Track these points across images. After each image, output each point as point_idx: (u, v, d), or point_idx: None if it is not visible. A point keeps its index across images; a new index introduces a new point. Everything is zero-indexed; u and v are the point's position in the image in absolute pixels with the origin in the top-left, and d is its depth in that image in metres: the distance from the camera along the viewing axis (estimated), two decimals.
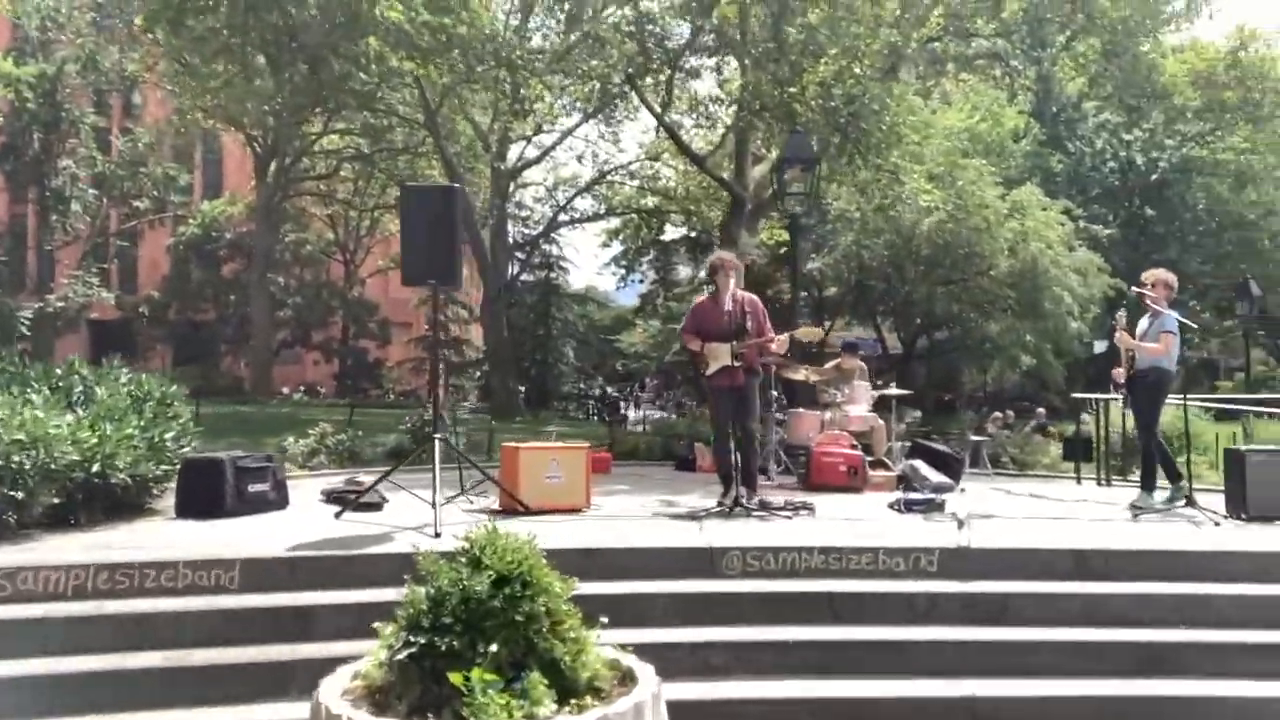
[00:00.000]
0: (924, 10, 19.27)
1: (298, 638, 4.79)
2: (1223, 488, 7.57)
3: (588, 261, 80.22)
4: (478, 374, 34.17)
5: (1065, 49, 26.37)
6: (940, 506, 7.23)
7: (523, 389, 33.49)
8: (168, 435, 6.85)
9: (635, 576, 5.44)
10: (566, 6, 16.35)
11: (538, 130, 27.76)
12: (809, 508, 7.17)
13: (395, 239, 38.62)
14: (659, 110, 18.41)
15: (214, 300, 38.50)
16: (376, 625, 3.28)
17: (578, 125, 27.66)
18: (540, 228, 33.79)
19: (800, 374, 10.31)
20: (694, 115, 22.24)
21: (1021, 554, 5.82)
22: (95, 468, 6.01)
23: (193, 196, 41.57)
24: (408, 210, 6.49)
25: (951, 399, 25.90)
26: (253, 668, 4.57)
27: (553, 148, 29.63)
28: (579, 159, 30.30)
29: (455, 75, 17.96)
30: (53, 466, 5.72)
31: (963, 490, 8.43)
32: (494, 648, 3.08)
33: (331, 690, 3.13)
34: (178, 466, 6.86)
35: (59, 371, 7.29)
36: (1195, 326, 7.96)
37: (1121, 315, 7.91)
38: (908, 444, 10.60)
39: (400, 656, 3.13)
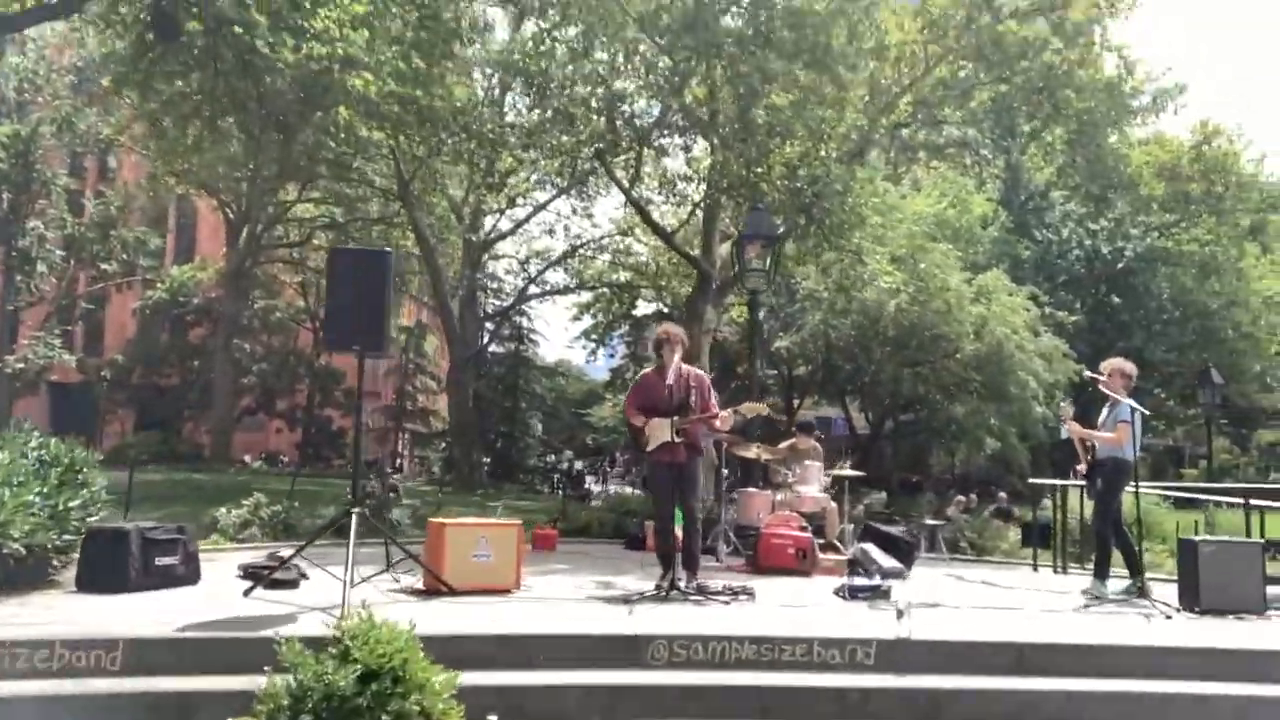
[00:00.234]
0: (892, 97, 19.62)
1: None
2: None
3: (559, 335, 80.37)
4: (442, 445, 33.68)
5: (1034, 138, 26.88)
6: (886, 594, 6.95)
7: (488, 461, 33.06)
8: (73, 503, 6.49)
9: (552, 666, 5.11)
10: (535, 83, 16.38)
11: (511, 203, 27.83)
12: (749, 593, 6.86)
13: None
14: (627, 186, 18.44)
15: (179, 365, 37.99)
16: None
17: (551, 200, 27.75)
18: (511, 299, 33.72)
19: (751, 451, 10.06)
20: (663, 192, 22.33)
21: (961, 647, 5.55)
22: None
23: (164, 261, 41.36)
24: (336, 273, 6.29)
25: (918, 481, 25.69)
26: None
27: (525, 221, 29.68)
28: (549, 232, 30.12)
29: (428, 147, 17.97)
30: None
31: (904, 579, 8.15)
32: None
33: None
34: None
35: None
36: (1148, 414, 7.79)
37: (1067, 406, 7.79)
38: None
39: None
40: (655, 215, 22.59)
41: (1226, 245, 26.70)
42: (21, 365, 34.94)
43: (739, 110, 15.61)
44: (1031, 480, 13.80)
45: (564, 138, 17.61)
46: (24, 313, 37.98)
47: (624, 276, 30.46)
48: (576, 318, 33.34)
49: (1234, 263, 26.77)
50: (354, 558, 6.77)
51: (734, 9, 15.05)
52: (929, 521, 12.66)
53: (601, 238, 29.32)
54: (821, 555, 8.98)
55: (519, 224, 29.76)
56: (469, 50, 19.34)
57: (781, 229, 16.93)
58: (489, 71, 20.34)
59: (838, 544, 9.50)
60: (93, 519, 6.75)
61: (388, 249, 6.95)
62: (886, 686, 5.16)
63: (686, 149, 19.12)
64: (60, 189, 34.73)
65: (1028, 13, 17.78)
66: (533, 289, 32.18)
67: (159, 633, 5.01)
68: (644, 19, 14.22)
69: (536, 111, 18.38)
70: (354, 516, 6.07)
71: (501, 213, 28.74)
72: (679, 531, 7.26)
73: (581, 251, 29.91)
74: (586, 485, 27.82)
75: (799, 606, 6.66)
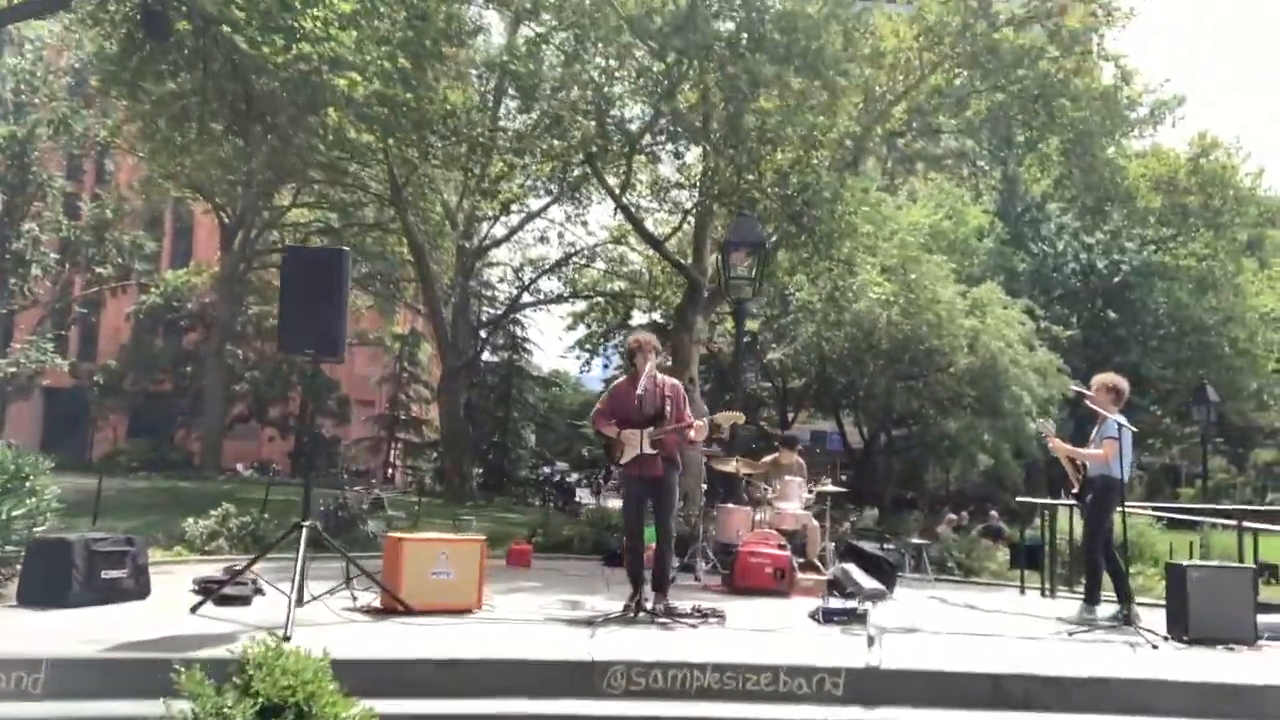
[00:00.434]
0: (886, 105, 19.39)
1: None
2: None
3: (554, 345, 79.82)
4: (434, 455, 33.39)
5: (1031, 149, 26.69)
6: (861, 618, 6.68)
7: (480, 472, 32.77)
8: (16, 513, 6.24)
9: (499, 694, 4.83)
10: (524, 85, 16.18)
11: (505, 210, 27.62)
12: (719, 615, 6.60)
13: (367, 315, 38.97)
14: (617, 192, 18.22)
15: (172, 371, 37.71)
16: None
17: (545, 207, 27.56)
18: (505, 307, 33.49)
19: (730, 466, 9.79)
20: (656, 200, 22.11)
21: (935, 677, 5.27)
22: None
23: (159, 265, 41.16)
24: (291, 274, 6.04)
25: (913, 498, 25.42)
26: None
27: (519, 227, 29.46)
28: (542, 239, 29.83)
29: (418, 150, 17.77)
30: None
31: (886, 600, 7.88)
32: None
33: None
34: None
35: None
36: (1136, 430, 7.51)
37: (1048, 423, 7.54)
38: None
39: None
40: (649, 223, 22.39)
41: (1224, 260, 26.52)
42: (14, 369, 34.73)
43: (729, 115, 15.43)
44: (1020, 499, 13.50)
45: (555, 142, 17.41)
46: (18, 316, 37.81)
47: (619, 286, 30.23)
48: (571, 327, 33.10)
49: (1231, 278, 26.58)
50: (307, 574, 6.56)
51: (726, 12, 14.85)
52: (915, 540, 12.36)
53: (595, 246, 29.09)
54: (801, 575, 8.70)
55: (513, 231, 29.56)
56: (462, 54, 19.17)
57: (773, 238, 16.74)
58: (483, 75, 20.11)
59: (818, 563, 9.22)
60: (40, 529, 6.49)
61: (344, 249, 6.67)
62: (854, 718, 4.90)
63: (678, 155, 18.88)
64: (57, 191, 34.58)
65: (1024, 20, 17.55)
66: (526, 297, 31.97)
67: (87, 652, 4.75)
68: (633, 21, 14.00)
69: (526, 116, 18.21)
70: (304, 531, 5.81)
71: (495, 219, 28.53)
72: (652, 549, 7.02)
73: (575, 259, 29.70)
74: (578, 498, 27.51)
75: (770, 630, 6.40)
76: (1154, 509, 13.70)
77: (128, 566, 6.41)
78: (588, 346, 32.92)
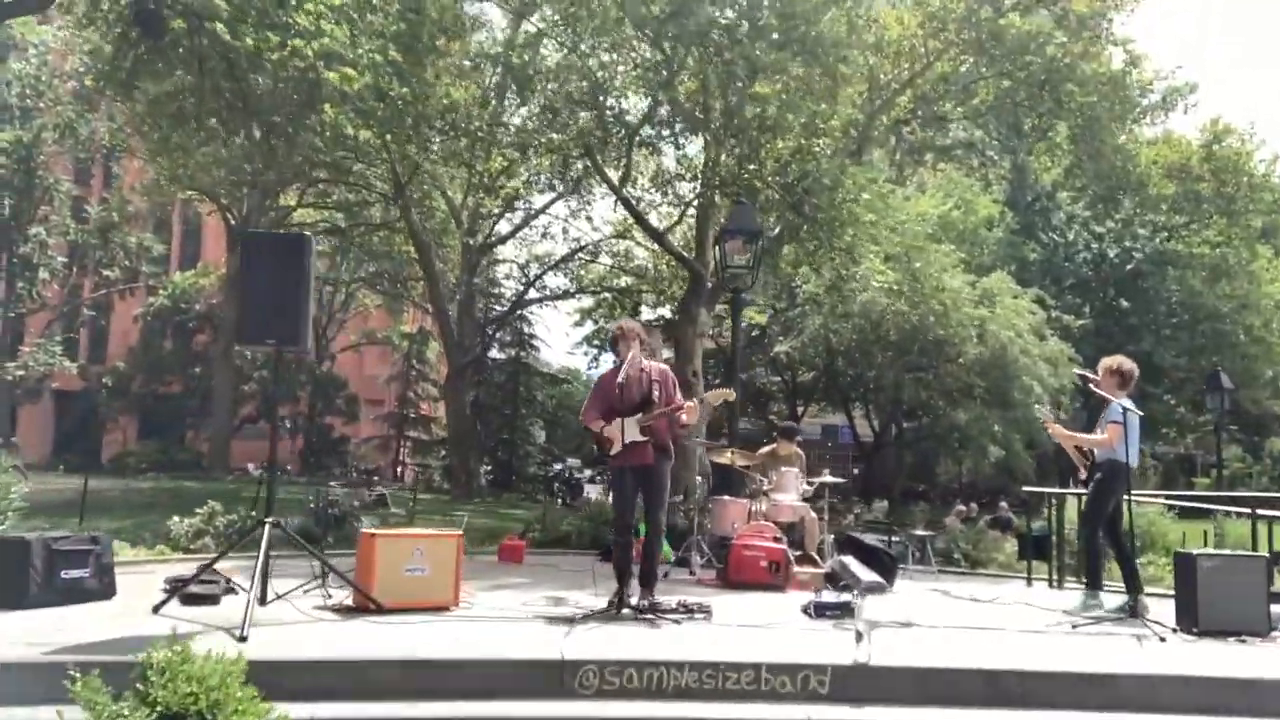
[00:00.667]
0: (891, 93, 19.08)
1: None
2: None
3: (561, 341, 79.50)
4: (442, 453, 33.21)
5: (1040, 137, 26.30)
6: (855, 612, 6.40)
7: (489, 469, 32.57)
8: None
9: (465, 696, 4.59)
10: (521, 76, 15.94)
11: (509, 206, 27.41)
12: (705, 611, 6.33)
13: (375, 314, 38.86)
14: (617, 184, 17.96)
15: (180, 373, 37.71)
16: None
17: (550, 204, 27.36)
18: (510, 304, 33.29)
19: (725, 456, 9.52)
20: (658, 192, 21.85)
21: (928, 674, 5.00)
22: None
23: (168, 267, 41.18)
24: (251, 261, 5.79)
25: (924, 490, 25.08)
26: None
27: (524, 224, 29.27)
28: (545, 235, 29.66)
29: (417, 145, 17.55)
30: None
31: (886, 593, 7.61)
32: None
33: None
34: None
35: None
36: (1142, 415, 7.19)
37: (1045, 410, 7.23)
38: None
39: None
40: (653, 217, 22.13)
41: (1238, 247, 26.08)
42: (23, 372, 34.79)
43: (728, 104, 15.16)
44: (1028, 489, 13.18)
45: (553, 134, 17.18)
46: (27, 320, 37.89)
47: (625, 281, 29.98)
48: (578, 323, 32.91)
49: (1245, 265, 26.15)
50: (287, 573, 6.36)
51: None
52: (919, 532, 12.06)
53: (599, 241, 28.85)
54: (798, 568, 8.43)
55: (517, 228, 29.37)
56: (461, 49, 18.94)
57: (776, 229, 16.45)
58: (483, 67, 19.89)
59: (816, 556, 8.94)
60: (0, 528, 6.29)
61: (306, 234, 6.43)
62: (840, 718, 4.63)
63: (678, 146, 18.62)
64: (64, 195, 34.63)
65: (1029, 5, 17.24)
66: (532, 293, 31.75)
67: (27, 656, 4.53)
68: (627, 5, 13.73)
69: (525, 109, 17.99)
70: (266, 529, 5.58)
71: (499, 216, 28.32)
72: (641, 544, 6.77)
73: (581, 255, 29.47)
74: (586, 494, 27.23)
75: (758, 626, 6.12)
76: (1166, 497, 13.34)
77: (90, 566, 6.19)
78: (595, 342, 32.69)
